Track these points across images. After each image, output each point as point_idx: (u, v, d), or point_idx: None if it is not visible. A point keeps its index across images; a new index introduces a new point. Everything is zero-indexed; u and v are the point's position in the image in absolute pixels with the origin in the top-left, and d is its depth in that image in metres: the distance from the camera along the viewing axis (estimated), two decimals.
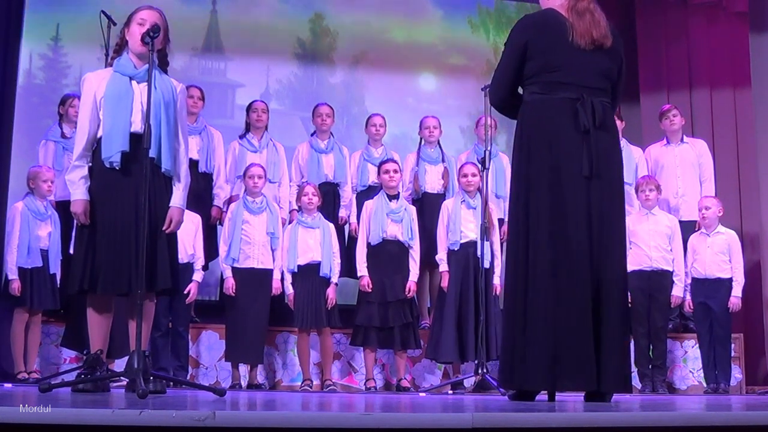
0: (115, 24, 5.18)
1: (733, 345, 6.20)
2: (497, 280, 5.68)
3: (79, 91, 4.09)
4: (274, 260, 5.72)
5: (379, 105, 7.37)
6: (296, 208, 6.12)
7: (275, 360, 5.97)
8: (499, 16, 8.20)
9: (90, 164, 3.59)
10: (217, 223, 6.13)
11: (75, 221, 3.64)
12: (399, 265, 5.74)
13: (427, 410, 2.33)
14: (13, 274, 5.36)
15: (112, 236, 3.49)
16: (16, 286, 5.33)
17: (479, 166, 5.57)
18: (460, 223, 5.72)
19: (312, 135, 6.53)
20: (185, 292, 5.40)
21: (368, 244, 5.78)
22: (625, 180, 3.47)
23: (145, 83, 3.46)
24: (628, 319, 3.19)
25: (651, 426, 2.06)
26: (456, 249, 5.71)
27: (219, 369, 5.81)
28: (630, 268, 5.17)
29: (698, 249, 6.13)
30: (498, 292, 5.68)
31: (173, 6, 6.95)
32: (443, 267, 5.73)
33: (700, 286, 6.07)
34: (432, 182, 6.45)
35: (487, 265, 5.50)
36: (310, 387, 5.58)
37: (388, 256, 5.74)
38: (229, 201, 6.06)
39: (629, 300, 5.64)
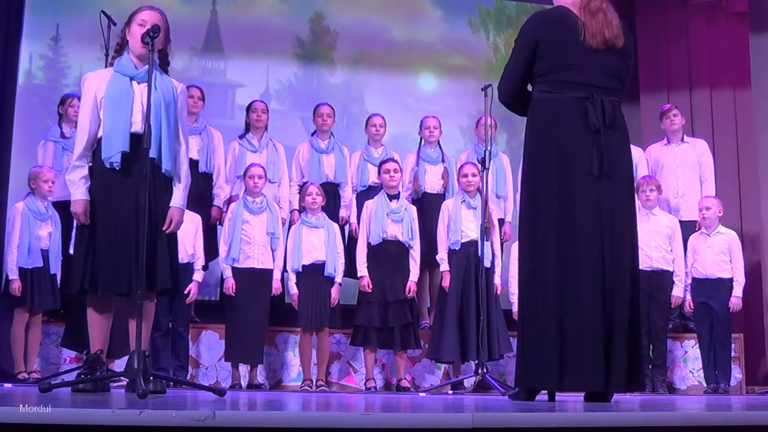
0: (115, 24, 5.18)
1: (733, 345, 6.20)
2: (498, 279, 5.69)
3: (79, 91, 4.09)
4: (274, 260, 5.72)
5: (379, 105, 7.37)
6: (298, 208, 6.13)
7: (275, 360, 5.97)
8: (499, 16, 8.20)
9: (90, 164, 3.59)
10: (217, 223, 6.12)
11: (75, 221, 3.64)
12: (399, 265, 5.74)
13: (427, 410, 2.33)
14: (13, 274, 5.36)
15: (113, 236, 3.49)
16: (16, 286, 5.33)
17: (479, 166, 5.58)
18: (460, 222, 5.72)
19: (312, 135, 6.53)
20: (185, 292, 5.40)
21: (368, 244, 5.78)
22: None
23: (146, 83, 3.46)
24: (639, 319, 3.17)
25: (651, 426, 2.06)
26: (457, 249, 5.71)
27: (219, 369, 5.81)
28: None
29: (699, 249, 6.13)
30: (499, 292, 5.68)
31: (173, 6, 6.95)
32: (444, 266, 5.73)
33: (701, 286, 6.07)
34: (432, 182, 6.45)
35: (487, 264, 5.51)
36: (310, 387, 5.58)
37: (388, 256, 5.74)
38: (229, 201, 6.05)
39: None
